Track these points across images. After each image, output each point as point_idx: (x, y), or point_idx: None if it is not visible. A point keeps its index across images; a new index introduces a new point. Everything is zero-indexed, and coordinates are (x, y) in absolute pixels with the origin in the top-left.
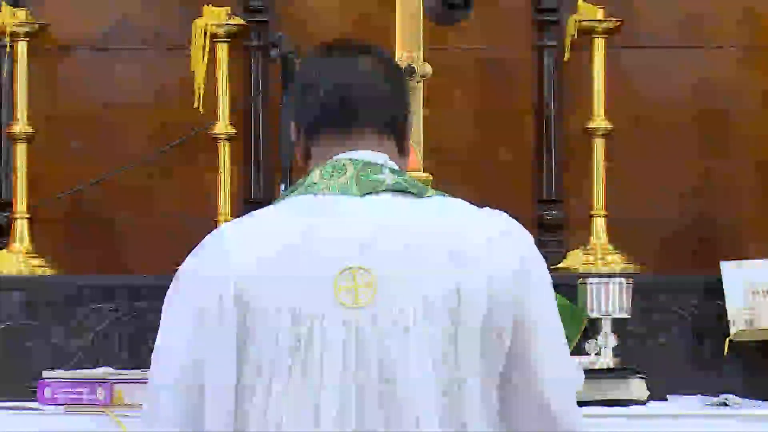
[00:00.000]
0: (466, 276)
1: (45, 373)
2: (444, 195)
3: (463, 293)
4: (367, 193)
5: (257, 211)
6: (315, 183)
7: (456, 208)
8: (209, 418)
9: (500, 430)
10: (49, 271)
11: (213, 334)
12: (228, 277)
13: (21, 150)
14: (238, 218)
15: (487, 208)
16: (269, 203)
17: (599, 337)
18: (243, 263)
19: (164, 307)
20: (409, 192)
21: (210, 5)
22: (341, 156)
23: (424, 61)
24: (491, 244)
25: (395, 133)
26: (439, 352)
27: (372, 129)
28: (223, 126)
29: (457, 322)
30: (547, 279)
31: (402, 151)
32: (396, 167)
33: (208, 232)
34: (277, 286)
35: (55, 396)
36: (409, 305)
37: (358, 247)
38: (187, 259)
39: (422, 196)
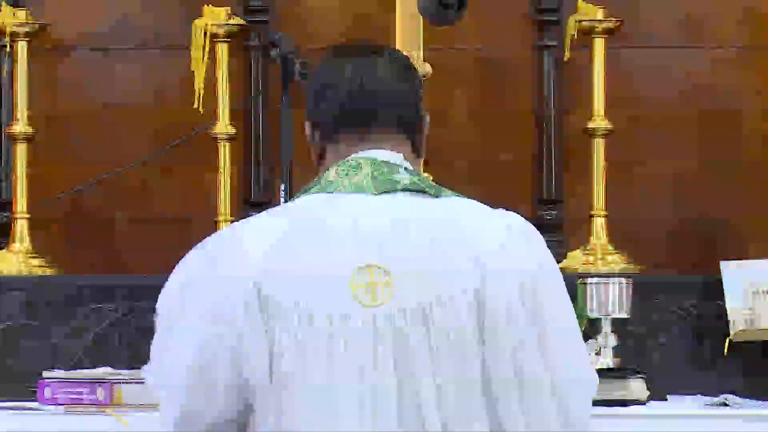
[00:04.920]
0: (483, 277)
1: (45, 373)
2: (459, 195)
3: (480, 294)
4: (383, 192)
5: (273, 209)
6: (331, 181)
7: (471, 209)
8: (221, 415)
9: (517, 429)
10: (49, 271)
11: (230, 333)
12: (246, 277)
13: (21, 150)
14: (253, 216)
15: (501, 209)
16: (269, 203)
17: (599, 337)
18: (260, 262)
19: (173, 306)
20: (425, 192)
21: (210, 5)
22: (357, 155)
23: (424, 61)
24: (508, 245)
25: (411, 133)
26: (457, 351)
27: (389, 129)
28: (223, 126)
29: (475, 323)
30: (561, 281)
31: (417, 151)
32: (411, 167)
33: (208, 232)
34: (295, 285)
35: (55, 396)
36: (426, 304)
37: (374, 246)
38: (200, 258)
39: (438, 196)
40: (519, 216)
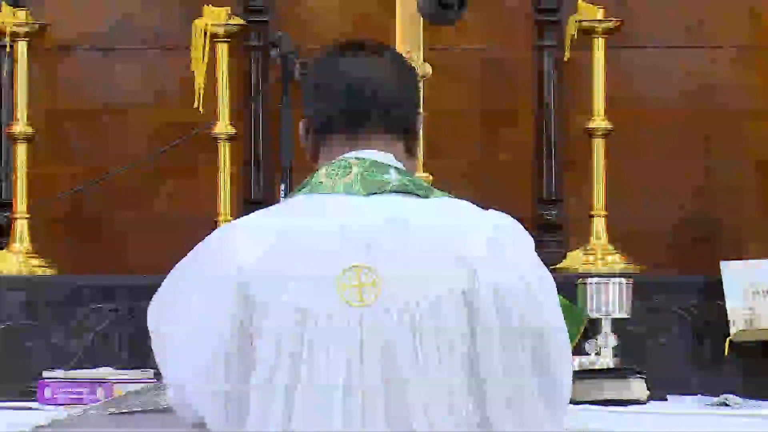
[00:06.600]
0: (471, 277)
1: (45, 373)
2: (449, 196)
3: (469, 294)
4: (372, 193)
5: (262, 210)
6: (321, 182)
7: (461, 210)
8: (209, 417)
9: (506, 429)
10: (49, 271)
11: (220, 334)
12: (234, 277)
13: (21, 150)
14: (242, 217)
15: (492, 210)
16: (269, 203)
17: (599, 337)
18: (249, 262)
19: (166, 306)
20: (415, 193)
21: (210, 5)
22: (348, 155)
23: (424, 61)
24: (496, 246)
25: (405, 133)
26: (445, 351)
27: (382, 129)
28: (223, 126)
29: (463, 323)
30: (552, 283)
31: (410, 151)
32: (402, 167)
33: (208, 232)
34: (283, 285)
35: (55, 396)
36: (413, 305)
37: (362, 247)
38: (191, 257)
39: (428, 197)
40: (509, 216)
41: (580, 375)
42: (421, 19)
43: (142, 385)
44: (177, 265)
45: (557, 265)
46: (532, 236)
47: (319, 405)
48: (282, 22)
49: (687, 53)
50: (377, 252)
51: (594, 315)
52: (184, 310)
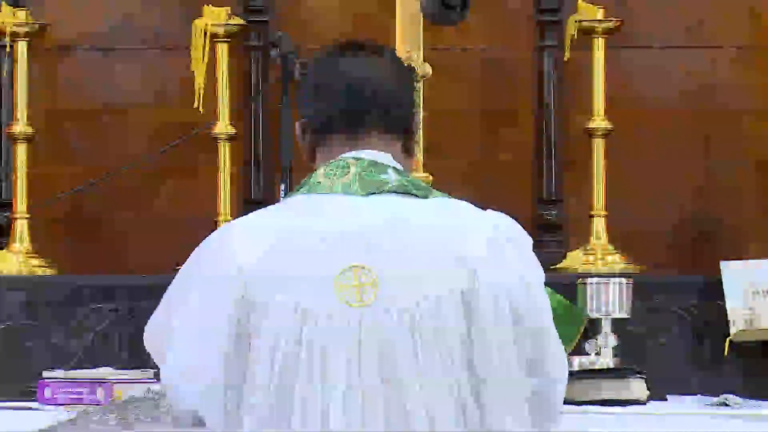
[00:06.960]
0: (470, 277)
1: (45, 373)
2: (448, 196)
3: (467, 294)
4: (370, 193)
5: (261, 210)
6: (319, 182)
7: (460, 210)
8: (207, 418)
9: (503, 428)
10: (49, 271)
11: (219, 334)
12: (233, 277)
13: (21, 150)
14: (242, 217)
15: (490, 210)
16: (269, 203)
17: (599, 337)
18: (248, 263)
19: (167, 307)
20: (413, 194)
21: (210, 5)
22: (346, 155)
23: (424, 61)
24: (495, 246)
25: (402, 133)
26: (444, 351)
27: (382, 129)
28: (223, 126)
29: (462, 323)
30: (543, 282)
31: (408, 151)
32: (400, 167)
33: (208, 232)
34: (282, 285)
35: (55, 396)
36: (413, 305)
37: (361, 247)
38: (192, 257)
39: (427, 197)
40: (508, 216)
41: (580, 375)
42: (422, 19)
43: (142, 392)
44: (181, 268)
45: (557, 265)
46: (532, 236)
47: (318, 405)
48: (282, 22)
49: (687, 53)
50: (377, 252)
51: (594, 315)
52: (184, 310)
